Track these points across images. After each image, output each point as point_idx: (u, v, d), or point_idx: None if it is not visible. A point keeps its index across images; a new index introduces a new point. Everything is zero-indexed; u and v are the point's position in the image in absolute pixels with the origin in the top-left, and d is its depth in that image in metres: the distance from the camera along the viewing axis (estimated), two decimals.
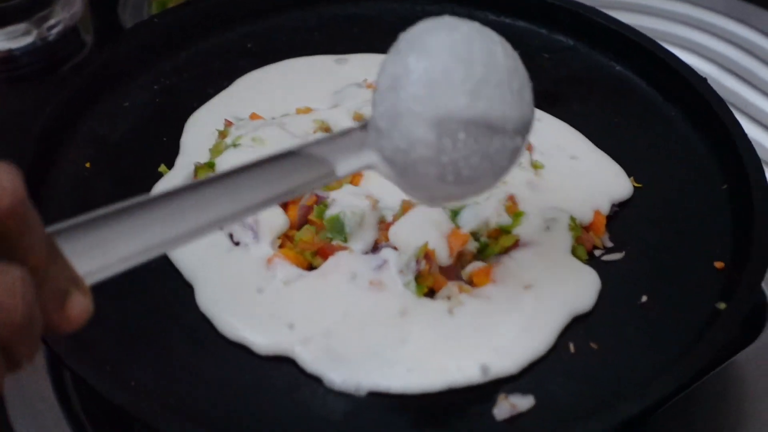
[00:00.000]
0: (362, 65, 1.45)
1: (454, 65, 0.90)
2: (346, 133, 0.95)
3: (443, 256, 1.12)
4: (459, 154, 0.90)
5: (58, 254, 0.71)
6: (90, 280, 0.75)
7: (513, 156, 0.96)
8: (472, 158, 0.91)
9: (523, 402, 1.03)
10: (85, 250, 0.75)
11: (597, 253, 1.20)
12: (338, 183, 1.21)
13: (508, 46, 0.95)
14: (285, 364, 1.07)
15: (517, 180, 1.22)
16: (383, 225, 1.18)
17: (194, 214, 0.82)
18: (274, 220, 1.17)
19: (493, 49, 0.93)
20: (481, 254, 1.16)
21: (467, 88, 0.89)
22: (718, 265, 1.17)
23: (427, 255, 1.11)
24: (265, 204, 0.87)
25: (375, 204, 1.17)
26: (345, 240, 1.15)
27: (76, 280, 0.73)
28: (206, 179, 0.84)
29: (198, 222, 0.82)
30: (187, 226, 0.81)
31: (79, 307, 0.73)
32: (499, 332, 1.08)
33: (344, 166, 0.93)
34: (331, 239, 1.15)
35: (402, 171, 0.93)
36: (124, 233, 0.79)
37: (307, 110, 1.35)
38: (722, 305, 1.10)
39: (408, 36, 0.94)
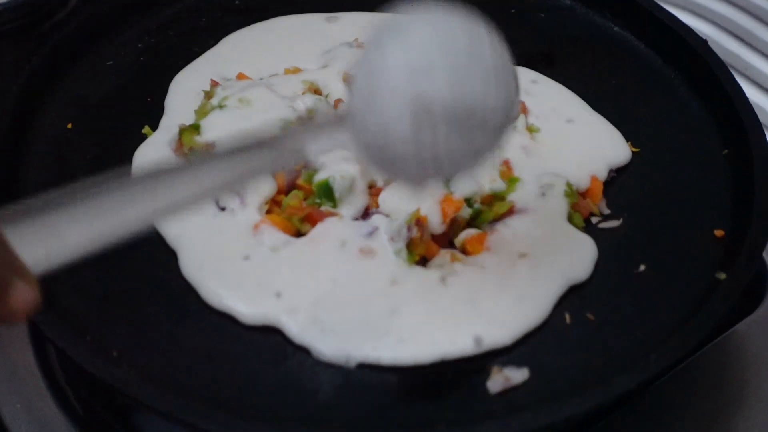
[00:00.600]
0: (353, 24, 1.41)
1: (435, 55, 0.85)
2: (324, 123, 0.93)
3: (436, 223, 1.09)
4: (438, 145, 0.86)
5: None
6: (38, 268, 0.71)
7: (494, 144, 0.91)
8: (452, 146, 0.87)
9: (517, 375, 1.00)
10: (31, 237, 0.71)
11: (594, 220, 1.17)
12: None
13: (490, 34, 0.90)
14: (272, 334, 1.04)
15: (511, 144, 1.19)
16: (374, 190, 1.15)
17: (155, 197, 0.79)
18: (261, 184, 1.13)
19: (475, 37, 0.89)
20: (474, 221, 1.13)
21: (448, 79, 0.85)
22: (718, 233, 1.14)
23: (418, 221, 1.08)
24: (228, 187, 0.88)
25: (365, 169, 1.14)
26: (334, 206, 1.12)
27: (21, 269, 0.69)
28: (167, 166, 0.81)
29: (156, 207, 0.80)
30: (147, 208, 0.79)
31: (23, 297, 0.69)
32: (493, 302, 1.05)
33: (316, 150, 0.91)
34: (320, 205, 1.12)
35: (376, 156, 0.90)
36: (75, 219, 0.75)
37: (296, 70, 1.31)
38: (722, 275, 1.07)
39: (388, 24, 0.89)
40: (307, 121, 0.90)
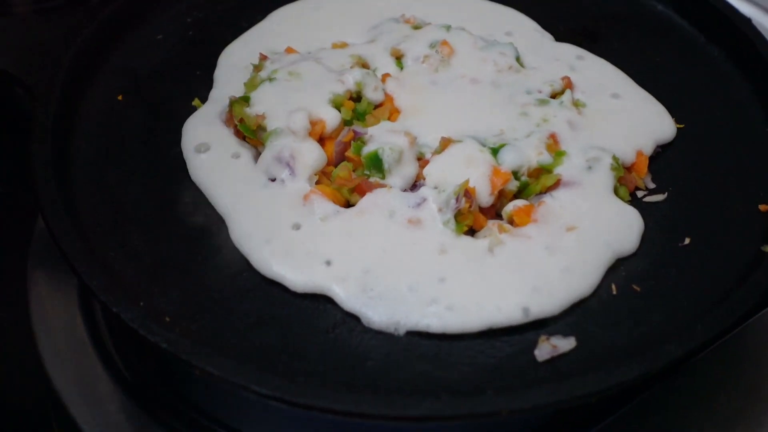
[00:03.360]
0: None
1: None
2: None
3: (484, 195, 1.10)
4: None
5: None
6: None
7: None
8: None
9: (564, 343, 1.01)
10: None
11: (639, 194, 1.18)
12: (375, 119, 1.20)
13: None
14: (322, 301, 1.05)
15: (558, 118, 1.20)
16: (422, 162, 1.15)
17: None
18: (311, 155, 1.15)
19: None
20: (521, 193, 1.14)
21: None
22: (763, 207, 1.15)
23: (467, 192, 1.08)
24: None
25: (413, 140, 1.15)
26: (383, 177, 1.13)
27: None
28: None
29: None
30: None
31: None
32: (541, 273, 1.06)
33: None
34: (369, 176, 1.13)
35: None
36: None
37: (344, 45, 1.33)
38: (767, 248, 1.08)
39: None
40: None
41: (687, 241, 1.12)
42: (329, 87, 1.21)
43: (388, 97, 1.23)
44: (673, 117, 1.27)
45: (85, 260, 1.03)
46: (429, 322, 1.02)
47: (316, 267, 1.06)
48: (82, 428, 1.11)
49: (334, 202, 1.12)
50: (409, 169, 1.14)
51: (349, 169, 1.14)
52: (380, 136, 1.15)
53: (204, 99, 1.27)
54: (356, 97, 1.23)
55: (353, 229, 1.09)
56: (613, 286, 1.07)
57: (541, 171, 1.15)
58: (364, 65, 1.28)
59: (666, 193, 1.18)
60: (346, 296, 1.04)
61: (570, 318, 1.04)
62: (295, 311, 1.05)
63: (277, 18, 1.40)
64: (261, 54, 1.30)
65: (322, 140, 1.17)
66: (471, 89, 1.25)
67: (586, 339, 1.02)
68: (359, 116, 1.21)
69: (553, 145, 1.17)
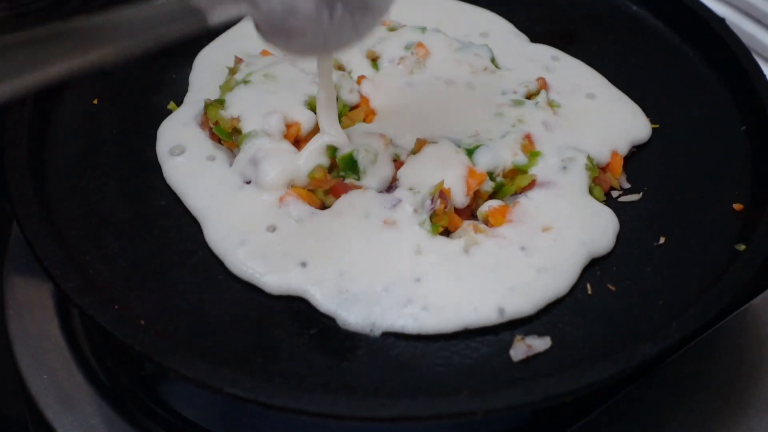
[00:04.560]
0: None
1: None
2: None
3: (459, 195, 1.10)
4: (332, 28, 0.94)
5: None
6: None
7: (375, 25, 1.00)
8: (343, 31, 0.96)
9: (539, 343, 1.01)
10: None
11: (614, 194, 1.18)
12: (350, 121, 1.20)
13: None
14: (297, 303, 1.05)
15: (533, 119, 1.21)
16: (397, 163, 1.15)
17: (51, 55, 0.80)
18: (286, 157, 1.15)
19: None
20: (496, 194, 1.14)
21: None
22: (737, 207, 1.15)
23: (442, 193, 1.09)
24: (130, 49, 0.86)
25: (389, 142, 1.15)
26: (358, 178, 1.13)
27: None
28: (64, 22, 0.82)
29: (55, 65, 0.80)
30: (44, 67, 0.80)
31: None
32: (516, 273, 1.06)
33: (217, 15, 0.91)
34: (344, 177, 1.13)
35: (273, 29, 0.95)
36: None
37: None
38: (741, 246, 1.08)
39: None
40: None
41: (662, 240, 1.13)
42: (305, 89, 1.21)
43: (364, 99, 1.23)
44: (648, 117, 1.27)
45: (60, 264, 1.03)
46: (404, 322, 1.02)
47: (292, 269, 1.06)
48: None
49: (310, 204, 1.12)
50: (384, 171, 1.14)
51: (325, 170, 1.13)
52: (356, 138, 1.15)
53: (179, 102, 1.27)
54: None
55: (329, 230, 1.09)
56: (589, 286, 1.07)
57: (517, 171, 1.15)
58: (340, 67, 1.28)
59: (641, 193, 1.18)
60: (322, 298, 1.04)
61: (545, 318, 1.04)
62: (271, 313, 1.04)
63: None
64: (236, 57, 1.29)
65: (297, 142, 1.16)
66: (446, 90, 1.25)
67: (562, 339, 1.02)
68: None
69: (528, 145, 1.17)
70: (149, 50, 0.86)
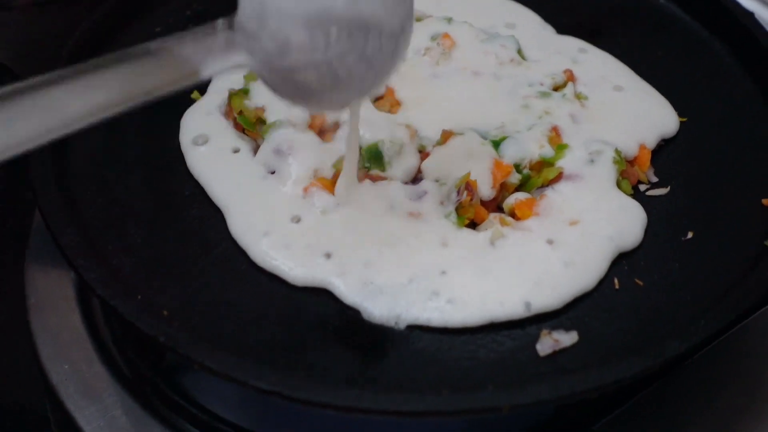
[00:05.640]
0: None
1: None
2: (210, 32, 0.88)
3: (485, 188, 1.09)
4: (335, 57, 0.87)
5: None
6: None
7: (394, 56, 0.93)
8: (348, 58, 0.88)
9: (566, 338, 1.00)
10: None
11: (641, 188, 1.17)
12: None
13: None
14: (322, 295, 1.04)
15: (560, 111, 1.20)
16: (423, 155, 1.15)
17: (40, 114, 0.78)
18: (311, 147, 1.14)
19: None
20: (523, 186, 1.13)
21: None
22: (766, 202, 1.14)
23: (468, 185, 1.08)
24: (120, 105, 0.83)
25: (414, 133, 1.15)
26: (383, 170, 1.12)
27: None
28: (52, 74, 0.79)
29: (43, 124, 0.78)
30: (32, 128, 0.78)
31: None
32: (543, 266, 1.05)
33: (210, 67, 0.87)
34: (369, 169, 1.12)
35: (276, 74, 0.90)
36: None
37: None
38: None
39: None
40: (192, 34, 0.87)
41: (690, 235, 1.11)
42: None
43: (389, 90, 1.22)
44: (675, 110, 1.26)
45: (83, 254, 1.02)
46: (430, 316, 1.01)
47: (316, 260, 1.05)
48: (79, 423, 1.10)
49: (335, 195, 1.11)
50: (409, 162, 1.13)
51: None
52: (381, 129, 1.14)
53: (203, 91, 1.27)
54: None
55: (353, 222, 1.09)
56: (616, 281, 1.06)
57: (543, 164, 1.14)
58: None
59: (669, 187, 1.17)
60: (347, 289, 1.03)
61: (572, 312, 1.03)
62: (295, 305, 1.04)
63: None
64: None
65: (322, 132, 1.16)
66: (472, 82, 1.24)
67: (588, 333, 1.01)
68: None
69: (555, 138, 1.16)
70: (135, 107, 0.84)
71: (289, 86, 0.91)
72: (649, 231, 1.12)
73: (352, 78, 0.91)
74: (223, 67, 0.89)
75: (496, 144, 1.13)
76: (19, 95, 0.77)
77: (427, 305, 1.02)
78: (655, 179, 1.18)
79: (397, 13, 0.91)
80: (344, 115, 1.16)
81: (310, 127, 1.15)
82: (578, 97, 1.24)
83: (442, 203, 1.09)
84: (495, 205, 1.12)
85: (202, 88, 1.27)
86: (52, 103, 0.79)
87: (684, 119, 1.25)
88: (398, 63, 0.95)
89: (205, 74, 0.87)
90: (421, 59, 1.27)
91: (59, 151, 1.15)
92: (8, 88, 0.76)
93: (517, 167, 1.12)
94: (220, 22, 0.89)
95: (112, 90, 0.83)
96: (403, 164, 1.12)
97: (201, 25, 1.24)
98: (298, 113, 1.15)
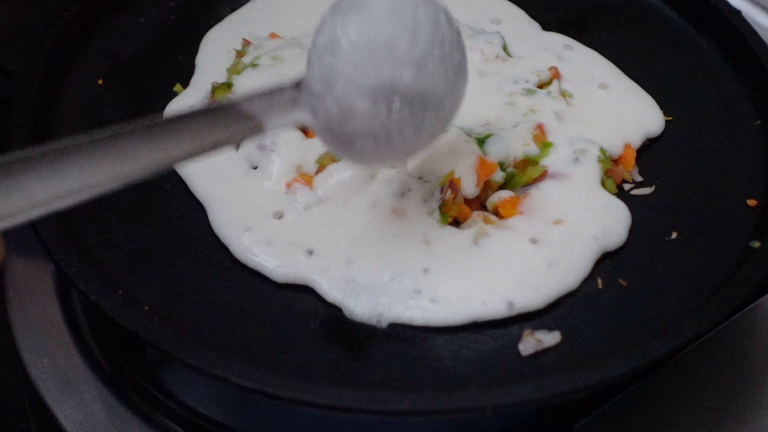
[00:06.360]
0: None
1: (398, 33, 0.88)
2: (278, 90, 0.91)
3: (469, 185, 1.09)
4: (393, 126, 0.90)
5: None
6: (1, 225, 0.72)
7: (446, 125, 0.97)
8: (406, 130, 0.91)
9: (549, 338, 1.00)
10: None
11: (626, 187, 1.17)
12: None
13: (450, 15, 0.94)
14: (303, 292, 1.04)
15: (545, 109, 1.19)
16: None
17: (114, 162, 0.80)
18: (294, 143, 1.13)
19: (438, 18, 0.92)
20: (507, 185, 1.12)
21: (411, 60, 0.88)
22: (751, 202, 1.14)
23: (452, 183, 1.07)
24: (188, 157, 0.85)
25: None
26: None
27: None
28: (127, 127, 0.81)
29: (117, 171, 0.80)
30: (104, 175, 0.80)
31: None
32: (526, 266, 1.05)
33: (274, 122, 0.91)
34: None
35: (334, 135, 0.92)
36: (37, 178, 0.76)
37: None
38: (756, 243, 1.07)
39: None
40: (261, 93, 0.91)
41: (674, 235, 1.11)
42: None
43: None
44: (661, 109, 1.26)
45: (64, 247, 1.01)
46: (412, 314, 1.01)
47: (298, 257, 1.05)
48: (58, 418, 1.09)
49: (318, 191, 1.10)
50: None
51: (332, 157, 1.12)
52: None
53: (186, 84, 1.26)
54: None
55: (336, 218, 1.08)
56: (600, 280, 1.06)
57: (528, 162, 1.13)
58: None
59: (653, 187, 1.17)
60: (328, 287, 1.03)
61: (555, 312, 1.03)
62: (276, 302, 1.03)
63: (260, 3, 1.38)
64: (244, 39, 1.28)
65: (305, 128, 1.15)
66: None
67: (571, 333, 1.01)
68: None
69: (540, 135, 1.16)
70: (203, 157, 0.87)
71: (345, 147, 0.94)
72: (633, 231, 1.11)
73: (405, 144, 0.94)
74: (286, 122, 0.92)
75: (481, 141, 1.13)
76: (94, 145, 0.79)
77: (410, 303, 1.01)
78: (639, 178, 1.18)
79: (457, 91, 0.96)
80: None
81: None
82: (563, 94, 1.23)
83: (425, 201, 1.08)
84: (479, 203, 1.11)
85: (185, 80, 1.26)
86: (126, 153, 0.81)
87: (669, 118, 1.25)
88: (447, 129, 1.01)
89: (268, 128, 0.91)
90: None
91: (41, 142, 1.13)
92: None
93: (502, 165, 1.12)
94: (289, 81, 0.92)
95: (182, 142, 0.85)
96: None
97: (190, 17, 1.25)
98: None
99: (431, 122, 0.94)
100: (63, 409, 1.10)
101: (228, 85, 1.18)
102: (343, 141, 0.93)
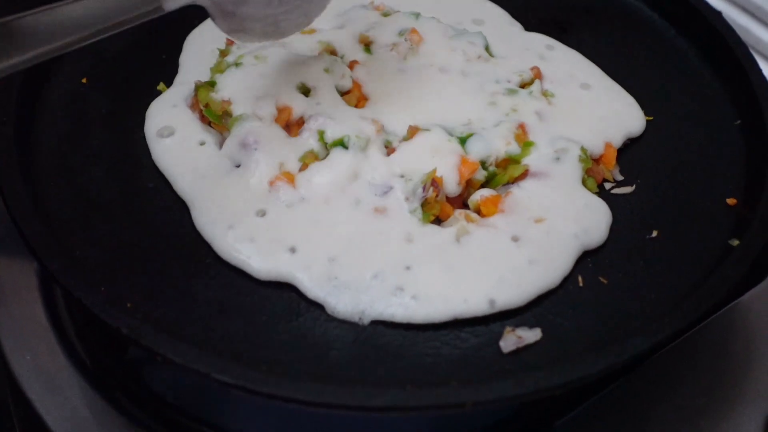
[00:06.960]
0: None
1: None
2: None
3: (451, 184, 1.09)
4: (281, 12, 1.01)
5: None
6: None
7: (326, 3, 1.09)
8: (293, 15, 1.03)
9: (529, 335, 1.00)
10: None
11: (607, 186, 1.17)
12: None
13: None
14: (286, 289, 1.04)
15: (527, 108, 1.19)
16: (389, 150, 1.14)
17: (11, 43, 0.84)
18: (277, 141, 1.13)
19: None
20: (488, 183, 1.13)
21: None
22: (730, 201, 1.15)
23: (434, 182, 1.08)
24: (87, 38, 0.90)
25: (380, 128, 1.14)
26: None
27: None
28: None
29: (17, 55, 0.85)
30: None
31: None
32: (507, 264, 1.05)
33: (172, 2, 0.97)
34: None
35: (227, 15, 1.01)
36: None
37: (311, 31, 1.30)
38: (735, 242, 1.08)
39: None
40: None
41: (654, 233, 1.12)
42: (296, 72, 1.19)
43: (356, 84, 1.22)
44: (642, 109, 1.26)
45: (47, 244, 1.02)
46: (394, 311, 1.01)
47: (281, 254, 1.05)
48: (40, 414, 1.09)
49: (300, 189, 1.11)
50: (375, 158, 1.12)
51: (315, 155, 1.12)
52: (347, 123, 1.14)
53: (169, 83, 1.26)
54: None
55: (319, 216, 1.08)
56: (580, 278, 1.07)
57: (509, 161, 1.14)
58: (332, 52, 1.27)
59: (634, 186, 1.17)
60: (311, 284, 1.03)
61: (536, 309, 1.04)
62: (259, 299, 1.03)
63: None
64: (227, 39, 1.28)
65: (288, 127, 1.15)
66: (439, 78, 1.24)
67: (552, 331, 1.01)
68: None
69: (522, 135, 1.16)
70: (104, 36, 0.91)
71: (233, 25, 1.03)
72: (614, 229, 1.12)
73: (290, 26, 1.04)
74: (184, 2, 0.98)
75: (463, 141, 1.13)
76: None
77: (392, 301, 1.02)
78: (620, 178, 1.19)
79: None
80: (310, 110, 1.15)
81: (276, 120, 1.15)
82: (545, 94, 1.24)
83: (407, 199, 1.09)
84: (461, 202, 1.12)
85: (169, 79, 1.26)
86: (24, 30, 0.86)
87: (650, 118, 1.26)
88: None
89: (167, 8, 0.96)
90: (388, 54, 1.27)
91: (24, 140, 1.15)
92: None
93: (483, 164, 1.12)
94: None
95: (79, 25, 0.90)
96: (369, 160, 1.12)
97: (174, 16, 1.25)
98: (265, 107, 1.15)
99: (315, 7, 1.05)
100: (46, 406, 1.10)
101: (211, 84, 1.18)
102: (235, 24, 1.01)
